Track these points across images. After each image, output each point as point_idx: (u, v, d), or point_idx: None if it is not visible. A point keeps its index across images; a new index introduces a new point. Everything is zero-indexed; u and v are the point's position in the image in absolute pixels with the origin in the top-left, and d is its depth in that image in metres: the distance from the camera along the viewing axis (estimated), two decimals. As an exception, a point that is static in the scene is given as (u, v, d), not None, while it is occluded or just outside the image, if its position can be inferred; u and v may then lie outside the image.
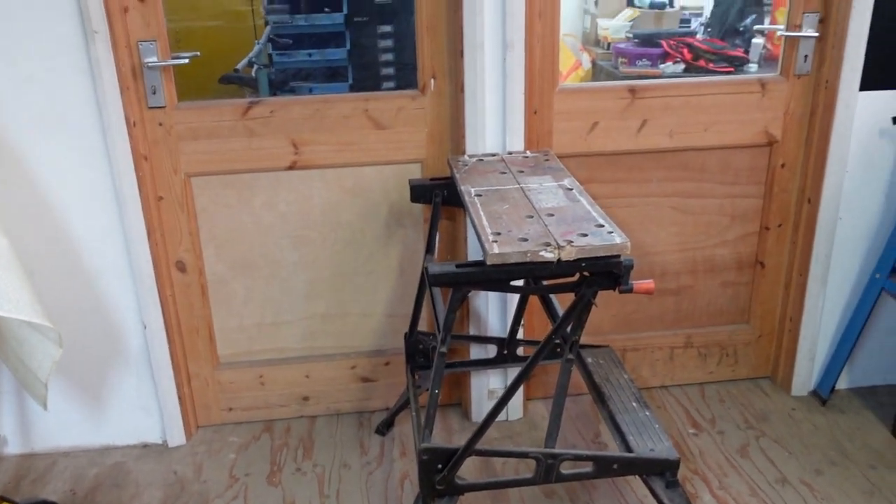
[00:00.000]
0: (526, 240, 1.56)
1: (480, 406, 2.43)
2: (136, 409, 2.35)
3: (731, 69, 3.49)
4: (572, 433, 2.44)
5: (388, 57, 2.96)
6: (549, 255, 1.52)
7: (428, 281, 1.59)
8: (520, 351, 2.27)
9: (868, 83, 2.22)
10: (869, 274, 2.43)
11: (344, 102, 2.20)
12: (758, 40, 3.23)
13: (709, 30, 3.80)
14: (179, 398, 2.34)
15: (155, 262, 2.20)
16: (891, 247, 2.32)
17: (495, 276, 1.54)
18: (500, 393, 2.48)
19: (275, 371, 2.44)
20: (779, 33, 2.32)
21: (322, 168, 2.25)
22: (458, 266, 1.57)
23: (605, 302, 2.51)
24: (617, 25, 3.82)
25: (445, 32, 2.14)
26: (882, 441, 2.36)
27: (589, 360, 2.20)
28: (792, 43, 2.27)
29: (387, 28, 2.97)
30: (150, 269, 2.19)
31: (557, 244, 1.53)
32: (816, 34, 2.23)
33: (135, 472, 2.28)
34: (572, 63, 3.92)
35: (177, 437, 2.37)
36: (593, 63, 3.94)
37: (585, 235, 1.58)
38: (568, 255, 1.53)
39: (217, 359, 2.42)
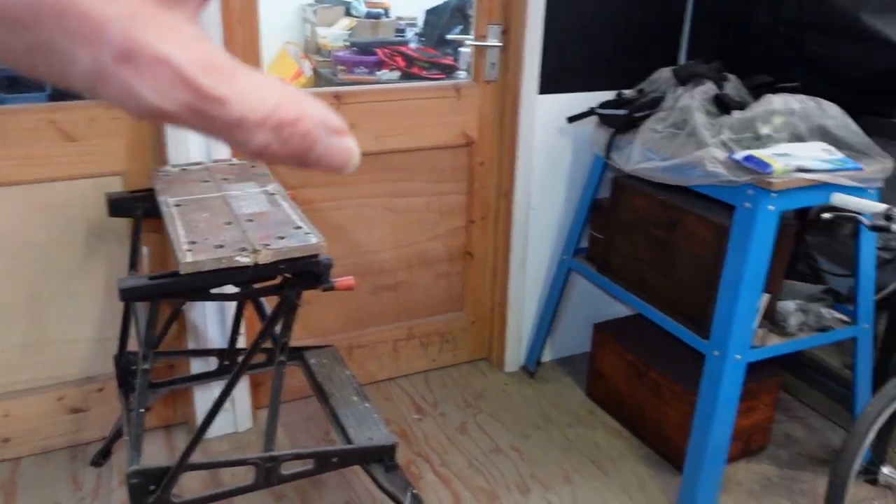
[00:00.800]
0: (222, 246, 1.56)
1: (207, 421, 2.37)
2: None
3: (443, 76, 3.73)
4: (304, 435, 2.46)
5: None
6: (244, 260, 1.53)
7: (120, 296, 1.53)
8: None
9: (546, 88, 2.49)
10: (559, 257, 2.73)
11: (27, 114, 2.03)
12: (466, 49, 3.49)
13: (422, 39, 4.02)
14: None
15: None
16: (573, 232, 2.63)
17: (191, 286, 1.52)
18: (228, 406, 2.44)
19: (-34, 413, 2.19)
20: (467, 42, 2.53)
21: (6, 186, 2.06)
22: (151, 278, 1.53)
23: (329, 303, 2.57)
24: (335, 34, 3.92)
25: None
26: (578, 403, 2.67)
27: (312, 360, 2.24)
28: (480, 52, 2.49)
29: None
30: None
31: (254, 248, 1.55)
32: (500, 44, 2.46)
33: None
34: (294, 70, 3.95)
35: None
36: (315, 71, 4.00)
37: (283, 238, 1.61)
38: (265, 258, 1.55)
39: None
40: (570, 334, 2.91)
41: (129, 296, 1.51)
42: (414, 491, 1.93)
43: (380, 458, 1.90)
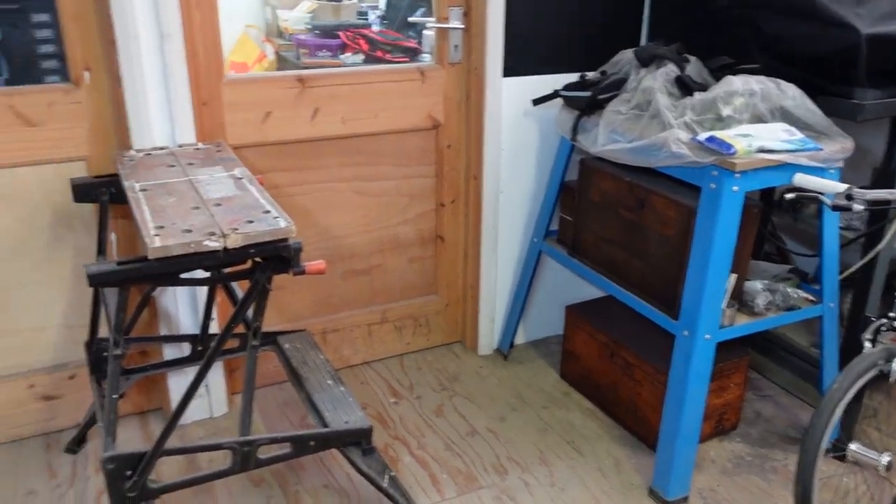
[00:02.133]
0: (190, 231, 1.55)
1: (181, 408, 2.36)
2: None
3: (407, 59, 3.71)
4: (280, 420, 2.47)
5: (49, 49, 2.73)
6: (214, 244, 1.53)
7: (88, 282, 1.52)
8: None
9: (510, 70, 2.50)
10: (529, 240, 2.74)
11: (-14, 99, 2.00)
12: (429, 32, 3.48)
13: (385, 22, 4.00)
14: None
15: None
16: (543, 213, 2.65)
17: (159, 270, 1.52)
18: (203, 391, 2.44)
19: (-67, 404, 2.16)
20: (430, 25, 2.52)
21: (-33, 172, 2.03)
22: (119, 263, 1.52)
23: (302, 287, 2.57)
24: (296, 17, 3.88)
25: (95, 21, 2.03)
26: (552, 384, 2.70)
27: (286, 345, 2.25)
28: (443, 34, 2.49)
29: (43, 17, 2.73)
30: None
31: (223, 233, 1.55)
32: (462, 26, 2.46)
33: None
34: (257, 54, 3.91)
35: None
36: (277, 54, 3.97)
37: (251, 222, 1.61)
38: (234, 242, 1.55)
39: None
40: (543, 316, 2.94)
41: (97, 281, 1.50)
42: (392, 473, 1.95)
43: (357, 441, 1.92)
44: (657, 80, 2.12)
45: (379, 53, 3.64)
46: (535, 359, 2.85)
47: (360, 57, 3.67)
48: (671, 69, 2.14)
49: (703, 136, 1.93)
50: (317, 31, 3.80)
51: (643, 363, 2.34)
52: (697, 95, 2.04)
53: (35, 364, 2.26)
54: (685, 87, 2.10)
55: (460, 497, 2.15)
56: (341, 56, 3.68)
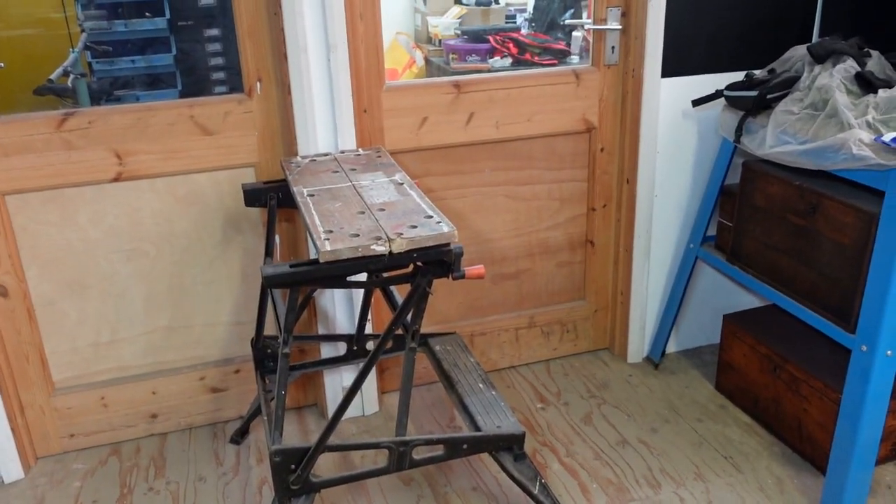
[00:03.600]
0: (357, 235, 1.60)
1: (336, 404, 2.44)
2: (-36, 448, 2.19)
3: (556, 61, 3.68)
4: (429, 421, 2.50)
5: (218, 61, 2.90)
6: (380, 249, 1.57)
7: (263, 283, 1.59)
8: (369, 346, 2.31)
9: (669, 71, 2.42)
10: (685, 245, 2.64)
11: (167, 109, 2.14)
12: (578, 33, 3.43)
13: (533, 25, 3.99)
14: (12, 430, 2.20)
15: (-28, 288, 2.06)
16: (700, 219, 2.54)
17: (329, 273, 1.57)
18: (355, 389, 2.51)
19: (118, 391, 2.34)
20: (586, 26, 2.48)
21: (150, 178, 2.18)
22: (291, 266, 1.58)
23: (451, 290, 2.59)
24: (446, 23, 3.94)
25: (268, 36, 2.13)
26: (706, 396, 2.59)
27: (437, 347, 2.27)
28: (599, 35, 2.44)
29: (214, 32, 2.91)
30: (-34, 296, 2.05)
31: (388, 237, 1.58)
32: (620, 27, 2.40)
33: (-33, 515, 2.13)
34: (407, 60, 4.00)
35: (13, 471, 2.23)
36: (426, 60, 4.04)
37: (415, 227, 1.63)
38: (399, 247, 1.58)
39: (52, 385, 2.30)
40: (696, 325, 2.82)
41: (272, 282, 1.57)
42: (543, 480, 1.93)
43: (509, 446, 1.91)
44: (835, 78, 1.98)
45: (528, 56, 3.63)
46: (688, 369, 2.75)
47: (509, 60, 3.68)
48: (850, 65, 2.00)
49: (888, 136, 1.78)
50: (466, 36, 3.84)
51: (811, 378, 2.19)
52: (881, 93, 1.89)
53: (206, 358, 2.41)
54: (867, 83, 1.95)
55: (612, 509, 2.10)
56: (490, 60, 3.70)
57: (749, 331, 2.43)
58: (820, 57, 2.09)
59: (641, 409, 2.52)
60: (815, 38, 2.53)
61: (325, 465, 2.26)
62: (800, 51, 2.19)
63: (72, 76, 2.62)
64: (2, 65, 2.02)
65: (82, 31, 2.75)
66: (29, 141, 2.05)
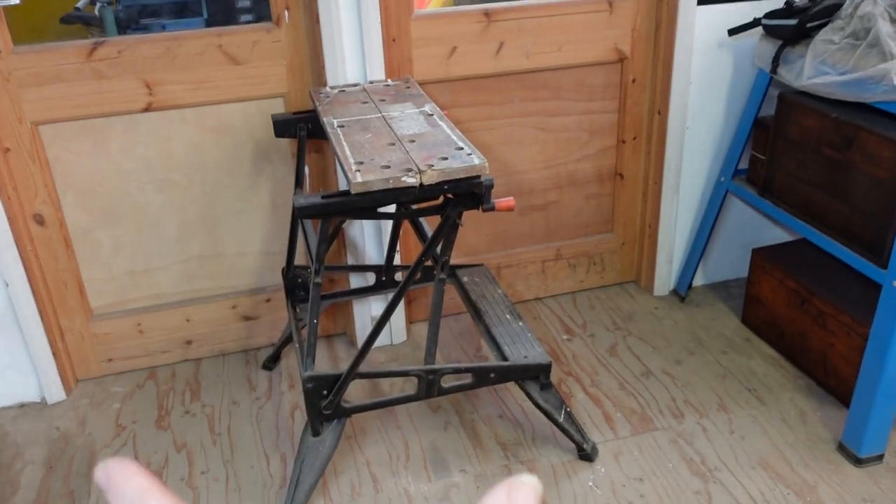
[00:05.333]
0: (388, 167, 1.60)
1: (364, 333, 2.49)
2: (8, 370, 2.27)
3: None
4: (456, 350, 2.55)
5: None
6: (411, 181, 1.57)
7: (296, 213, 1.61)
8: (398, 276, 2.34)
9: (705, -3, 2.35)
10: (715, 178, 2.61)
11: (196, 39, 2.13)
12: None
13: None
14: (54, 354, 2.28)
15: (10, 217, 2.10)
16: (732, 152, 2.51)
17: (360, 205, 1.58)
18: (383, 319, 2.55)
19: (153, 318, 2.41)
20: (623, -49, 2.40)
21: (180, 108, 2.19)
22: (323, 197, 1.60)
23: (478, 222, 2.60)
24: (476, -53, 3.82)
25: (296, -39, 2.10)
26: (733, 329, 2.60)
27: (465, 279, 2.30)
28: (635, -40, 2.36)
29: (240, -41, 2.86)
30: (5, 224, 2.09)
31: (419, 169, 1.58)
32: (656, -49, 2.33)
33: (13, 433, 2.23)
34: (436, -13, 3.90)
35: (55, 393, 2.32)
36: (454, -13, 3.94)
37: (446, 159, 1.63)
38: (430, 178, 1.58)
39: (90, 311, 2.36)
40: (724, 259, 2.82)
41: (304, 213, 1.59)
42: (568, 409, 1.97)
43: (535, 375, 1.95)
44: (878, 5, 1.91)
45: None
46: (715, 302, 2.75)
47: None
48: (896, -8, 1.93)
49: (932, 67, 1.73)
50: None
51: (840, 313, 2.19)
52: (927, 22, 1.83)
53: (237, 286, 2.46)
54: (912, 12, 1.89)
55: (635, 437, 2.14)
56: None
57: (778, 264, 2.42)
58: (864, -17, 2.01)
59: (666, 341, 2.54)
60: (859, -36, 2.43)
61: (355, 392, 2.32)
62: (843, -23, 2.12)
63: (98, 4, 2.60)
64: (31, -8, 2.00)
65: (108, -43, 2.72)
66: (60, 70, 2.06)
